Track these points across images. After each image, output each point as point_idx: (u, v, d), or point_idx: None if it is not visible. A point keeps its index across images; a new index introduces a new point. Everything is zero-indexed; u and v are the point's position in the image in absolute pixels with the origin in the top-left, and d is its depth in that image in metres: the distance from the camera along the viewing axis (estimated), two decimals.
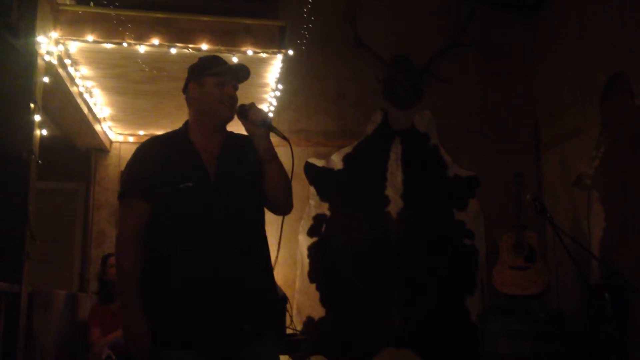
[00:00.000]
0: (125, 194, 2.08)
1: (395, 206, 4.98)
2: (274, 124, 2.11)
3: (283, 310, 3.70)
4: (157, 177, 2.02)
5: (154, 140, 2.18)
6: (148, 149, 2.12)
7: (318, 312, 4.79)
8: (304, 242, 4.89)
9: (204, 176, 2.04)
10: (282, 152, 2.19)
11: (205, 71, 2.12)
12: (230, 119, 2.13)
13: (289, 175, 2.12)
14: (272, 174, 2.09)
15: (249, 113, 2.07)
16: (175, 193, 2.00)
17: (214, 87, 2.09)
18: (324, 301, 4.80)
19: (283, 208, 2.12)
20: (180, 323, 1.96)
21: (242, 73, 2.16)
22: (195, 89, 2.12)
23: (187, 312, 1.96)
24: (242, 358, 2.00)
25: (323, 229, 4.92)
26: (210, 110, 2.10)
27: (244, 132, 2.16)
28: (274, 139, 2.10)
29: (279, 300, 2.19)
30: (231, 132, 2.19)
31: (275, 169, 2.09)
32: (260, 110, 2.08)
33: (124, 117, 4.69)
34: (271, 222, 2.20)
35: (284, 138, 2.07)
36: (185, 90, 2.17)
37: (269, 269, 2.14)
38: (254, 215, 2.11)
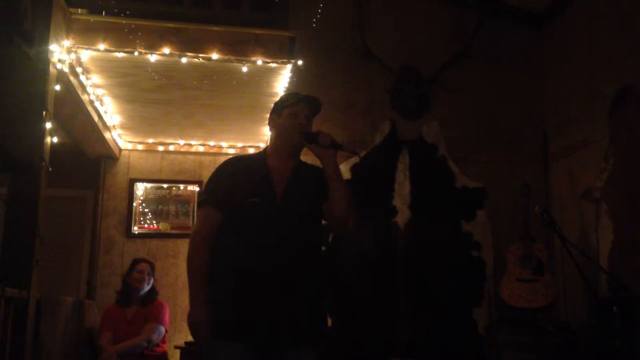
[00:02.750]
0: (203, 203, 2.39)
1: (402, 217, 4.97)
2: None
3: None
4: (232, 191, 2.33)
5: (235, 159, 2.51)
6: (228, 166, 2.44)
7: None
8: None
9: (271, 194, 2.33)
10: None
11: (283, 104, 2.46)
12: (302, 145, 2.42)
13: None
14: (338, 192, 2.33)
15: (318, 137, 2.35)
16: (244, 206, 2.30)
17: (288, 116, 2.41)
18: (330, 311, 4.78)
19: (348, 224, 2.35)
20: (235, 319, 2.22)
21: (314, 103, 2.47)
22: (274, 120, 2.46)
23: (243, 310, 2.22)
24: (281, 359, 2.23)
25: (330, 239, 4.92)
26: (285, 137, 2.41)
27: (316, 163, 2.47)
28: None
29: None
30: (303, 162, 2.50)
31: (341, 186, 2.34)
32: (328, 134, 2.37)
33: (133, 125, 4.72)
34: None
35: (355, 153, 2.44)
36: (269, 123, 2.51)
37: (319, 284, 2.38)
38: (312, 234, 2.39)
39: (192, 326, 2.24)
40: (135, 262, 4.31)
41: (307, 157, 2.49)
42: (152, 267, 4.27)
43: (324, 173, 2.39)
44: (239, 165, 2.45)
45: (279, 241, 2.27)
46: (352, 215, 2.35)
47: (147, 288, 4.17)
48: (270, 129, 2.49)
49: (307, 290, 2.30)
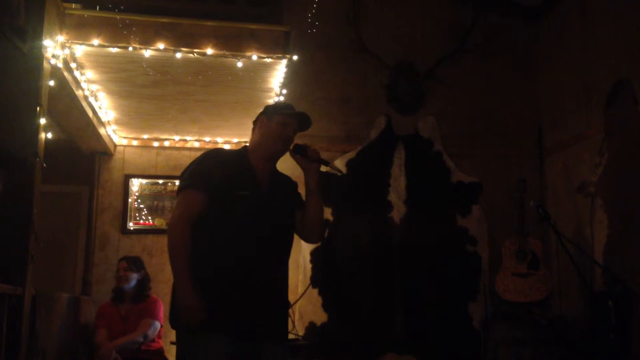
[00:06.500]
0: (186, 187, 2.37)
1: (398, 212, 4.98)
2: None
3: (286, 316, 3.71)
4: (219, 179, 2.33)
5: (220, 151, 2.65)
6: (214, 155, 2.48)
7: (320, 317, 4.78)
8: (307, 247, 4.88)
9: (259, 189, 2.40)
10: None
11: (277, 111, 2.51)
12: (282, 153, 2.49)
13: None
14: (315, 205, 2.46)
15: (307, 150, 2.47)
16: (233, 197, 2.32)
17: (278, 124, 2.46)
18: (326, 306, 4.80)
19: (317, 236, 2.54)
20: (217, 310, 2.23)
21: (305, 122, 2.51)
22: (263, 122, 2.50)
23: (225, 301, 2.24)
24: (264, 353, 2.29)
25: (326, 234, 4.92)
26: (269, 141, 2.46)
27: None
28: None
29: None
30: (276, 169, 2.56)
31: (318, 201, 2.46)
32: (315, 149, 2.48)
33: (128, 120, 4.70)
34: None
35: (339, 171, 2.65)
36: (255, 121, 2.56)
37: (287, 284, 2.49)
38: (289, 234, 2.49)
39: (188, 309, 2.22)
40: (118, 261, 4.37)
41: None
42: (134, 262, 4.26)
43: (293, 184, 2.55)
44: (224, 156, 2.52)
45: (264, 234, 2.33)
46: (322, 228, 2.51)
47: (131, 284, 4.17)
48: (256, 129, 2.53)
49: (285, 288, 2.45)
